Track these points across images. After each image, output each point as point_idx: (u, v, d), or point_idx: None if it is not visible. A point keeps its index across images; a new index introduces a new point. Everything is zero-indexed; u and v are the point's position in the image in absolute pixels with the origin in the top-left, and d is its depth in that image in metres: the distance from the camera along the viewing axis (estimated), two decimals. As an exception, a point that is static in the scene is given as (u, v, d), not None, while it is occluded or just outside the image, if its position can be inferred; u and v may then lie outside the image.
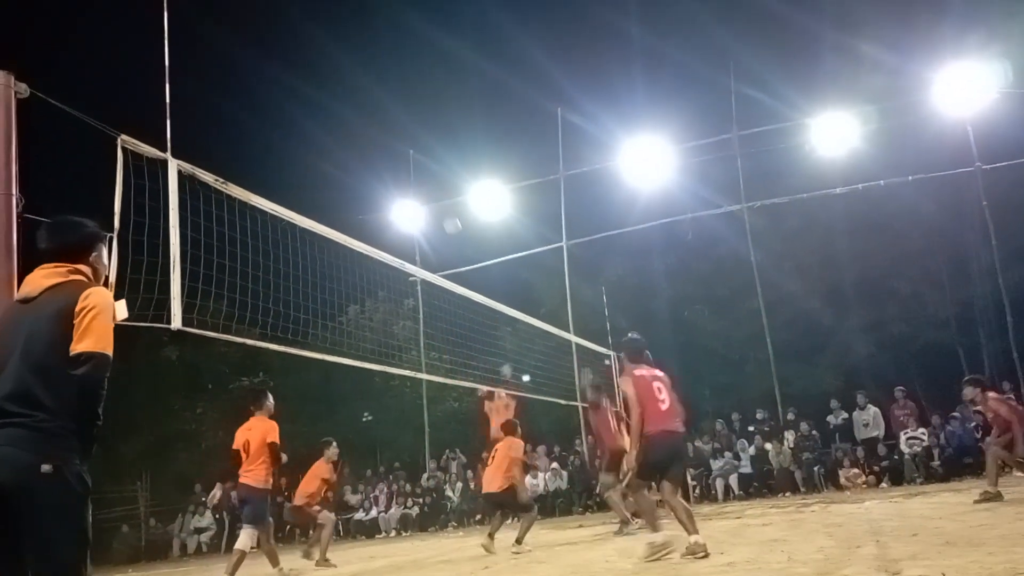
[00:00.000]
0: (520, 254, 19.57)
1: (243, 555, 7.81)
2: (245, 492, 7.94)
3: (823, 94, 17.38)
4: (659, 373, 6.44)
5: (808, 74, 19.43)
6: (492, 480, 8.98)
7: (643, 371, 6.39)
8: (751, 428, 15.86)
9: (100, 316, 2.73)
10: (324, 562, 9.31)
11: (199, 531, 18.67)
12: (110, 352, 2.75)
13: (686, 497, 9.82)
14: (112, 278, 5.12)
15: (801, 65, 19.93)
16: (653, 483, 6.60)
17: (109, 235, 5.13)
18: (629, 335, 6.89)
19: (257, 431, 8.10)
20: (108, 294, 2.86)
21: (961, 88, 15.71)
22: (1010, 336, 15.13)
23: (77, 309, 2.70)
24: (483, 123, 23.76)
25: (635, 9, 24.65)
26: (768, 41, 20.15)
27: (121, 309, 2.93)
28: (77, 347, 2.67)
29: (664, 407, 6.20)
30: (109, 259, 4.96)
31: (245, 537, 7.85)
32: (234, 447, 8.22)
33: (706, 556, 5.70)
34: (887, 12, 17.72)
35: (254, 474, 7.90)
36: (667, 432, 6.15)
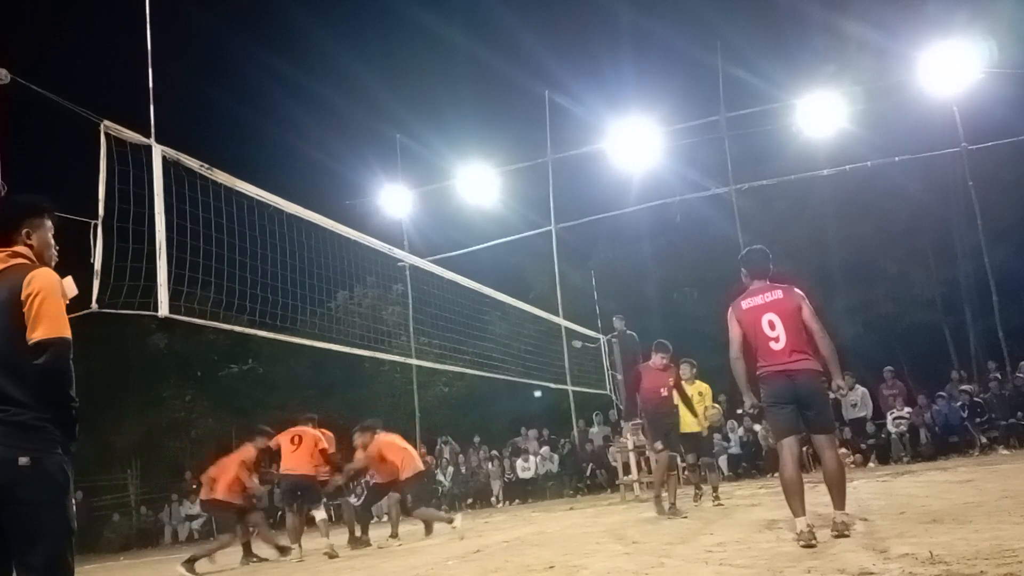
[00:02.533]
0: (508, 238, 19.54)
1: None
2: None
3: (810, 75, 17.37)
4: (775, 297, 5.27)
5: (795, 54, 19.39)
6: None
7: (753, 301, 5.32)
8: (740, 411, 15.94)
9: (48, 299, 2.63)
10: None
11: (190, 518, 18.71)
12: (67, 334, 2.67)
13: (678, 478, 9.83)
14: (97, 266, 5.08)
15: (788, 45, 19.91)
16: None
17: (93, 222, 5.10)
18: (752, 248, 5.74)
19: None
20: (52, 274, 2.73)
21: (947, 68, 15.73)
22: (996, 315, 15.24)
23: (23, 297, 2.61)
24: (471, 106, 23.69)
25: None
26: (755, 22, 20.13)
27: (70, 286, 2.83)
28: (33, 336, 2.59)
29: (778, 345, 5.12)
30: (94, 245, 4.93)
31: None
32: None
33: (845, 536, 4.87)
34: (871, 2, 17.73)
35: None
36: (782, 372, 5.09)
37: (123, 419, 21.19)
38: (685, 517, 7.73)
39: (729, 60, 17.76)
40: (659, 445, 8.31)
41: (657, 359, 8.52)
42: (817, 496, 5.78)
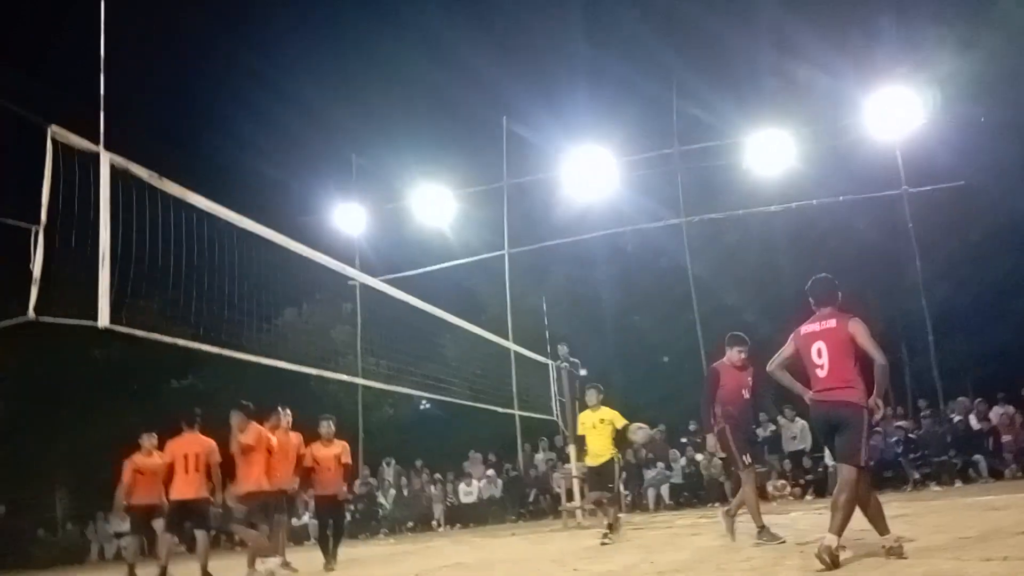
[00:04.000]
0: (462, 261, 19.56)
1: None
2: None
3: (761, 114, 17.85)
4: (827, 326, 5.29)
5: (747, 95, 19.89)
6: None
7: (810, 327, 5.37)
8: (683, 440, 16.11)
9: None
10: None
11: (119, 535, 18.10)
12: None
13: (619, 505, 9.79)
14: (36, 273, 4.93)
15: (741, 86, 20.41)
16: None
17: (35, 227, 4.96)
18: (818, 276, 5.59)
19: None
20: None
21: (892, 113, 16.37)
22: (931, 354, 15.70)
23: None
24: (428, 129, 23.65)
25: (580, 23, 24.92)
26: (710, 61, 20.55)
27: None
28: None
29: (822, 373, 5.22)
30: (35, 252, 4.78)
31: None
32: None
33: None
34: (823, 37, 18.29)
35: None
36: (819, 402, 5.25)
37: (55, 432, 20.48)
38: (783, 541, 6.54)
39: (684, 96, 18.25)
40: (747, 459, 6.94)
41: (734, 355, 7.12)
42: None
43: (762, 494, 12.70)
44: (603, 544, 8.25)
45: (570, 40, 24.76)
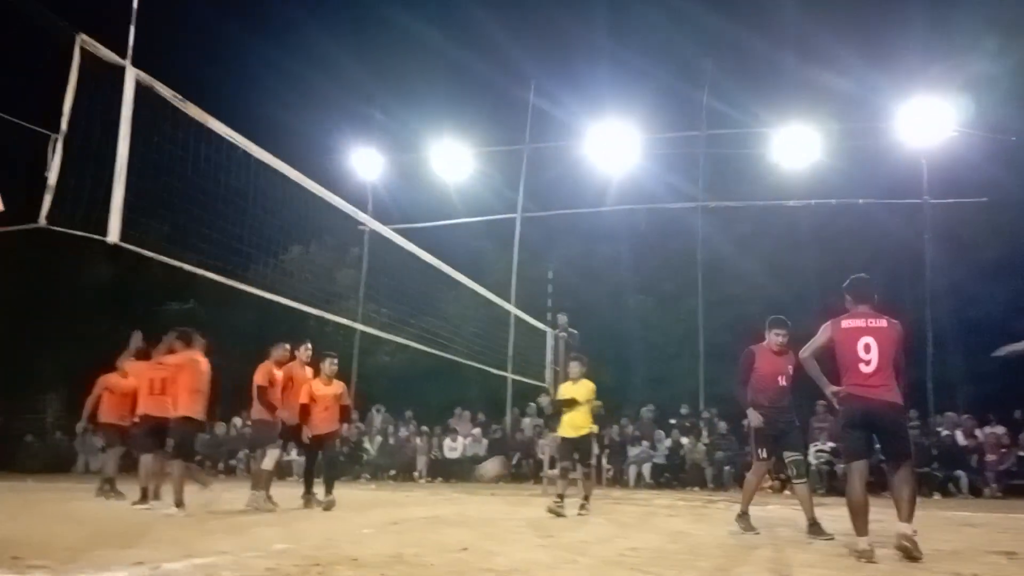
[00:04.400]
0: (473, 219, 19.52)
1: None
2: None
3: (790, 108, 17.69)
4: (878, 325, 5.38)
5: (778, 87, 19.68)
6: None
7: (855, 322, 5.41)
8: (672, 421, 16.22)
9: None
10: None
11: (104, 450, 18.37)
12: None
13: (599, 479, 9.89)
14: (52, 181, 4.94)
15: (773, 77, 20.18)
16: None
17: (54, 136, 4.95)
18: (857, 275, 5.71)
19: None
20: None
21: (921, 121, 16.19)
22: (927, 368, 15.72)
23: None
24: (452, 84, 23.42)
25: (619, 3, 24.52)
26: (745, 51, 20.27)
27: None
28: None
29: (868, 368, 5.23)
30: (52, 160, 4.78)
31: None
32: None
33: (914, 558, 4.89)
34: (862, 39, 18.08)
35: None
36: (861, 398, 5.24)
37: (53, 342, 20.66)
38: (757, 533, 6.63)
39: (716, 81, 18.04)
40: (763, 453, 6.82)
41: (772, 338, 6.78)
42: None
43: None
44: (580, 515, 8.29)
45: (602, 13, 24.37)
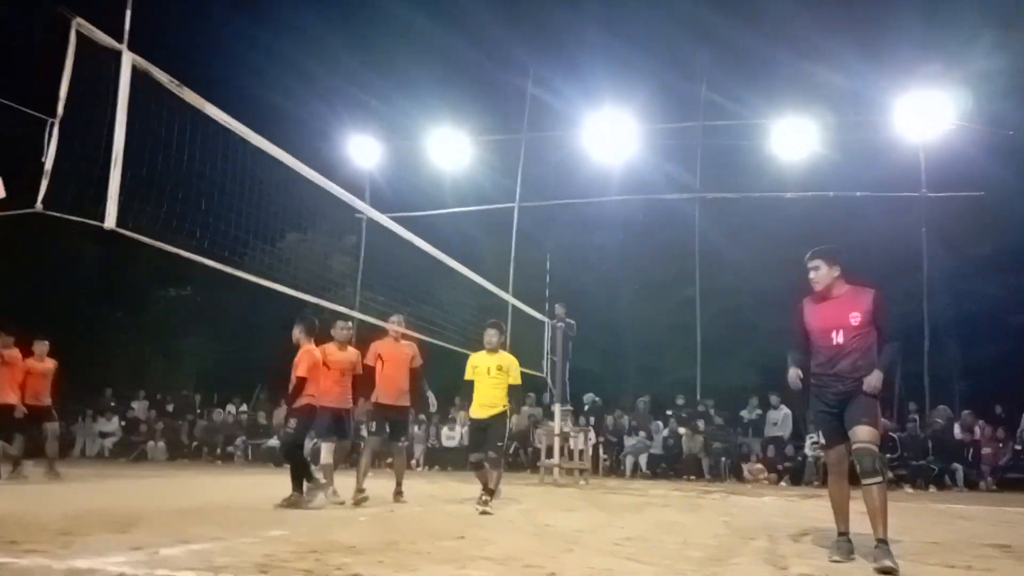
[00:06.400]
0: (472, 208, 19.48)
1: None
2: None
3: (788, 100, 17.62)
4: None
5: (776, 79, 19.56)
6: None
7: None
8: (669, 412, 16.26)
9: None
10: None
11: (104, 435, 18.40)
12: None
13: (596, 467, 9.86)
14: (48, 166, 4.91)
15: (770, 69, 20.07)
16: None
17: (51, 120, 4.92)
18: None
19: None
20: None
21: (919, 114, 16.18)
22: (924, 360, 15.75)
23: None
24: (450, 72, 23.29)
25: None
26: (743, 43, 20.15)
27: None
28: None
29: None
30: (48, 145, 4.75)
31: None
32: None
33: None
34: (860, 32, 17.97)
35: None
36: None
37: (47, 326, 20.59)
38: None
39: (712, 72, 18.04)
40: (819, 438, 5.64)
41: (824, 273, 5.16)
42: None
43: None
44: (482, 514, 7.00)
45: (602, 3, 24.24)
